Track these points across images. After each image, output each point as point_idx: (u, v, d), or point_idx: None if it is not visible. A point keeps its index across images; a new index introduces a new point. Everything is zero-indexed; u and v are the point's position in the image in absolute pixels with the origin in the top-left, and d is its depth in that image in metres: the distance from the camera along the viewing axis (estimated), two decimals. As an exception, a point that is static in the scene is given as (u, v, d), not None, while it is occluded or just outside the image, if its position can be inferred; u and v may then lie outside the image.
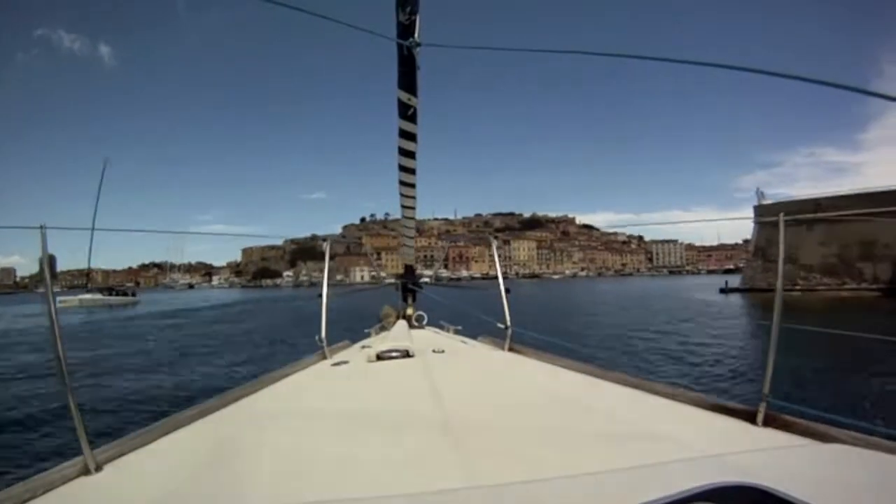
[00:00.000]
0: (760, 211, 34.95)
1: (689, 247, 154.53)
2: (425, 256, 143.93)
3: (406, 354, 2.54)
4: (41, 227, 1.32)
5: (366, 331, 4.08)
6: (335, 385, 2.22)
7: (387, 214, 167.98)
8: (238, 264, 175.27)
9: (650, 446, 1.32)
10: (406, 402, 1.79)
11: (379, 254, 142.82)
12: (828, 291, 31.99)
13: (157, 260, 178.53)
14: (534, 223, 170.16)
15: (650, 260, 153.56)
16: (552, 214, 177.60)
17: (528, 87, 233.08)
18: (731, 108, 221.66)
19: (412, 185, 3.76)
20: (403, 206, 4.12)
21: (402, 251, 5.05)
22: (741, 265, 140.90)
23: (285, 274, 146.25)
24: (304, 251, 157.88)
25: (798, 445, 1.32)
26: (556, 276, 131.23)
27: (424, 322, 4.32)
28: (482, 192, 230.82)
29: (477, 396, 1.87)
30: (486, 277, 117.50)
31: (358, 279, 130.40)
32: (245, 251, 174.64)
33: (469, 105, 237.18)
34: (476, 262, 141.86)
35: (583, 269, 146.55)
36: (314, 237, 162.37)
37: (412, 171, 3.60)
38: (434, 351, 2.74)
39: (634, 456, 1.22)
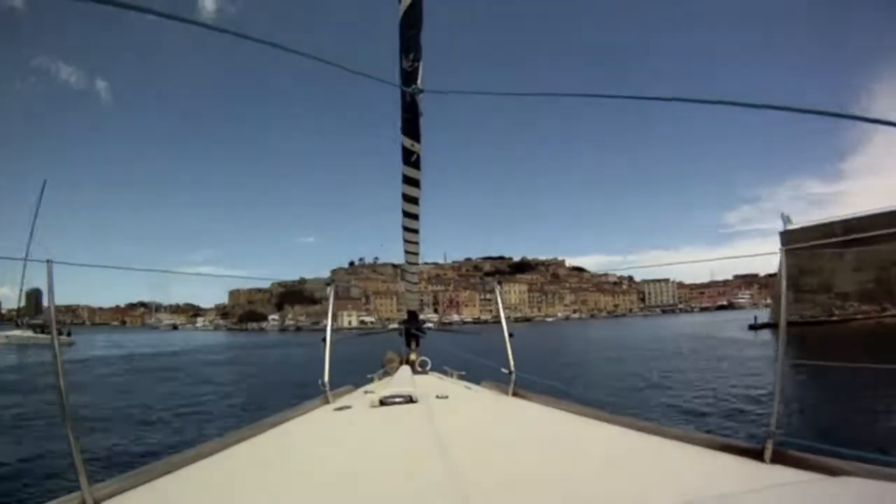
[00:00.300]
0: (787, 237, 32.83)
1: (681, 285, 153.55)
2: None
3: (409, 400, 2.49)
4: (48, 262, 1.33)
5: (369, 376, 4.00)
6: (337, 430, 2.19)
7: (376, 258, 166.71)
8: (224, 306, 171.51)
9: (658, 489, 1.30)
10: (409, 449, 1.76)
11: (368, 297, 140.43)
12: (866, 320, 29.73)
13: (146, 299, 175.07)
14: (524, 266, 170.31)
15: (642, 300, 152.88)
16: (542, 257, 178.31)
17: (516, 130, 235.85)
18: (713, 145, 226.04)
19: (415, 231, 3.79)
20: (407, 252, 4.13)
21: (405, 297, 5.11)
22: (736, 301, 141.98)
23: (270, 318, 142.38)
24: (292, 294, 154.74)
25: (807, 481, 1.30)
26: (549, 319, 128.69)
27: (428, 367, 4.27)
28: (472, 236, 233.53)
29: (482, 443, 1.84)
30: (477, 322, 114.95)
31: (346, 324, 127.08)
32: (232, 293, 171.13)
33: (457, 147, 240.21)
34: (466, 306, 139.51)
35: (575, 311, 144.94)
36: (302, 280, 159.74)
37: (415, 217, 3.63)
38: (438, 396, 2.71)
39: (642, 499, 1.22)
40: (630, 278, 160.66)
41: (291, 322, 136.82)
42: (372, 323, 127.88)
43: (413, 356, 4.43)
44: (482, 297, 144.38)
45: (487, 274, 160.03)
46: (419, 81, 2.49)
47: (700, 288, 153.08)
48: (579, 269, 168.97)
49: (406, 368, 3.91)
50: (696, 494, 1.20)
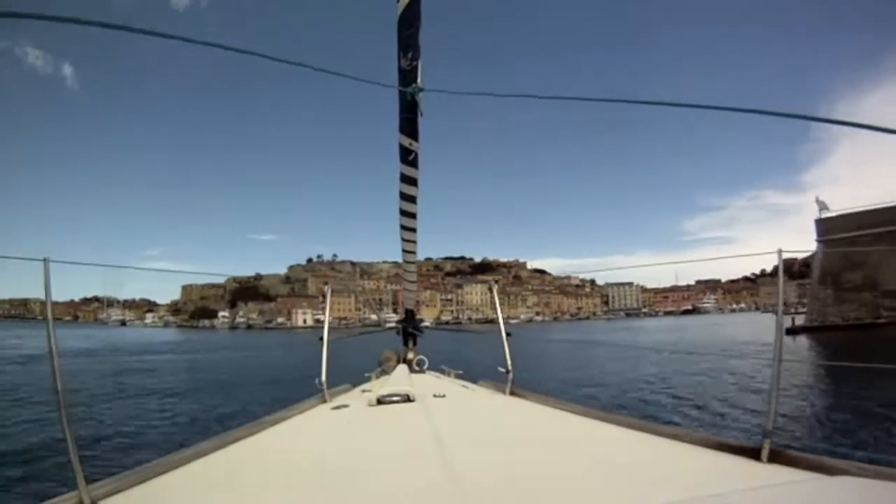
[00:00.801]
0: (824, 225, 28.98)
1: (644, 289, 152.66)
2: (372, 300, 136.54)
3: (407, 399, 2.51)
4: (44, 260, 1.33)
5: (366, 374, 4.00)
6: (335, 429, 2.20)
7: (334, 256, 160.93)
8: (177, 303, 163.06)
9: (655, 487, 1.30)
10: (407, 447, 1.76)
11: (324, 296, 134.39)
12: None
13: (101, 294, 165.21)
14: (485, 267, 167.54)
15: (605, 303, 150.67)
16: (503, 259, 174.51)
17: (478, 131, 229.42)
18: (675, 153, 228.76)
19: (413, 230, 3.80)
20: (404, 251, 4.15)
21: (402, 295, 5.17)
22: (701, 305, 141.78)
23: (221, 315, 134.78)
24: (246, 291, 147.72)
25: (804, 480, 1.30)
26: (512, 321, 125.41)
27: (425, 366, 4.27)
28: (433, 236, 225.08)
29: (479, 441, 1.85)
30: (440, 324, 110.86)
31: (300, 323, 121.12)
32: (185, 288, 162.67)
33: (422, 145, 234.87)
34: (427, 306, 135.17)
35: (538, 314, 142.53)
36: (258, 276, 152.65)
37: (413, 216, 3.64)
38: (435, 395, 2.72)
39: (639, 498, 1.23)
40: (592, 282, 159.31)
41: (242, 320, 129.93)
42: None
43: (410, 355, 4.39)
44: (444, 297, 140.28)
45: (448, 274, 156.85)
46: (419, 80, 2.48)
47: (664, 292, 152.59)
48: (541, 272, 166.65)
49: (403, 367, 3.83)
50: (693, 493, 1.20)
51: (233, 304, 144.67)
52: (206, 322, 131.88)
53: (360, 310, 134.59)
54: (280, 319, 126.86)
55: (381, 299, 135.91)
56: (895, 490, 1.15)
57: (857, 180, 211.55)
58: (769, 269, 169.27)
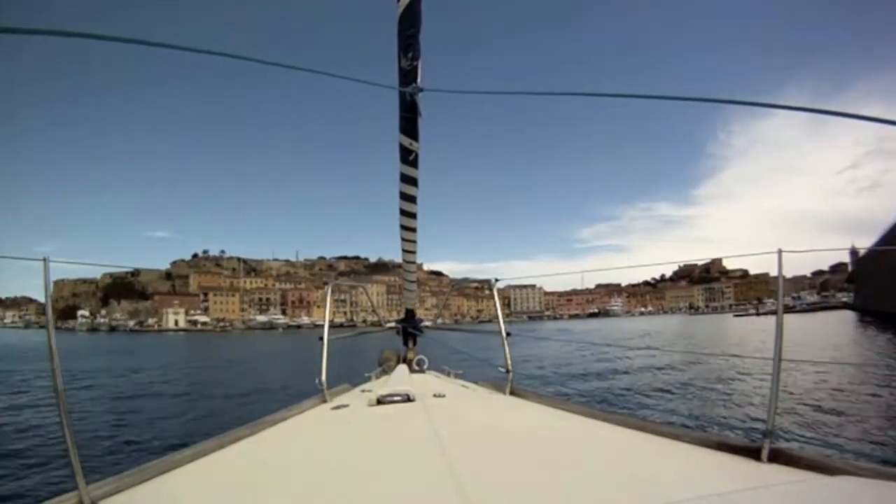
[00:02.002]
0: None
1: (547, 292, 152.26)
2: (259, 299, 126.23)
3: (407, 399, 2.51)
4: (44, 260, 1.34)
5: (366, 374, 4.00)
6: (335, 429, 2.19)
7: (222, 251, 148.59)
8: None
9: (655, 488, 1.30)
10: (407, 447, 1.77)
11: (206, 294, 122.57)
12: None
13: None
14: (380, 267, 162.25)
15: (508, 305, 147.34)
16: (399, 260, 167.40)
17: (373, 127, 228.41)
18: (574, 164, 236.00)
19: (413, 230, 3.81)
20: (404, 251, 4.13)
21: (403, 295, 5.05)
22: (610, 308, 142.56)
23: (80, 314, 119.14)
24: (121, 287, 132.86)
25: (804, 480, 1.30)
26: None
27: (425, 366, 4.23)
28: (328, 235, 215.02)
29: (480, 441, 1.84)
30: (332, 325, 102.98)
31: (171, 324, 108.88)
32: (57, 284, 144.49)
33: (321, 139, 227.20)
34: (319, 307, 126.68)
35: (437, 316, 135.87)
36: (135, 272, 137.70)
37: (413, 216, 3.65)
38: (435, 395, 2.71)
39: (639, 498, 1.22)
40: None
41: (104, 320, 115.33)
42: (203, 324, 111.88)
43: (410, 355, 4.34)
44: (337, 297, 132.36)
45: (342, 273, 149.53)
46: (419, 80, 2.49)
47: (567, 295, 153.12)
48: (437, 273, 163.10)
49: (403, 367, 3.80)
50: (693, 493, 1.20)
51: (105, 302, 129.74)
52: (71, 322, 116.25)
53: (244, 310, 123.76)
54: (151, 320, 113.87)
55: (268, 299, 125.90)
56: (895, 490, 1.15)
57: (748, 196, 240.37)
58: (668, 274, 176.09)
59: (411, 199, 3.47)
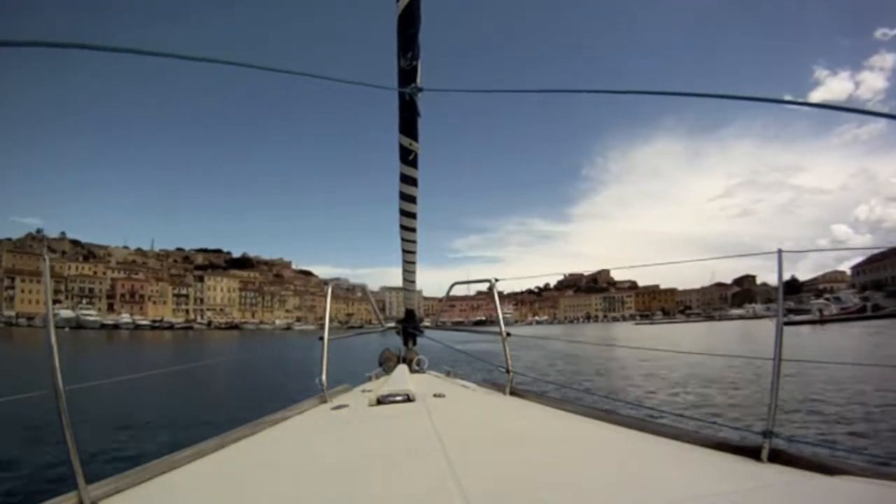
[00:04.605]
0: None
1: (426, 297, 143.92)
2: (81, 289, 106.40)
3: (407, 399, 2.51)
4: (44, 260, 1.35)
5: (366, 374, 4.02)
6: (335, 429, 2.20)
7: (63, 233, 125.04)
8: None
9: (655, 487, 1.29)
10: (407, 447, 1.75)
11: (13, 279, 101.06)
12: None
13: None
14: (244, 263, 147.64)
15: (382, 309, 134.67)
16: (266, 256, 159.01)
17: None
18: (450, 176, 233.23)
19: (413, 230, 3.82)
20: (404, 251, 4.13)
21: (403, 295, 5.05)
22: (505, 315, 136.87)
23: None
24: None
25: (804, 480, 1.30)
26: (266, 327, 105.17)
27: (425, 366, 4.25)
28: (191, 226, 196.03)
29: (479, 441, 1.84)
30: (163, 326, 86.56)
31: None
32: None
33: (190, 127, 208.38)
34: (155, 303, 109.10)
35: (299, 319, 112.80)
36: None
37: (413, 216, 3.66)
38: (435, 395, 2.69)
39: (639, 498, 1.21)
40: (364, 286, 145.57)
41: None
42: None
43: (410, 355, 4.40)
44: (179, 291, 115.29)
45: (199, 267, 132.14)
46: (418, 80, 2.52)
47: (452, 300, 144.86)
48: (307, 273, 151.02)
49: (403, 367, 3.83)
50: (693, 493, 1.21)
51: None
52: None
53: (60, 302, 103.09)
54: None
55: (91, 289, 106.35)
56: (895, 490, 1.15)
57: (619, 216, 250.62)
58: (553, 283, 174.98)
59: (411, 199, 3.48)
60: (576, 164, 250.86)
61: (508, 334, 3.02)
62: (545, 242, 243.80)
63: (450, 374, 3.98)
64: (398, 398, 2.50)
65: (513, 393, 2.79)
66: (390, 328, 5.08)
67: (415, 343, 4.77)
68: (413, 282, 4.66)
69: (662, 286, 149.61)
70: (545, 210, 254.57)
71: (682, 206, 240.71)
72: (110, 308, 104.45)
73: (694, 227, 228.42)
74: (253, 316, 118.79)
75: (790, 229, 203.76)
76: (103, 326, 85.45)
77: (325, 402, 2.71)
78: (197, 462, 1.64)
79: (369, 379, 3.83)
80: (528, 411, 2.41)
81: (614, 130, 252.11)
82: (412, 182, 3.30)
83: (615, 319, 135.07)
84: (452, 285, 4.24)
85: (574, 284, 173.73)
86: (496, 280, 3.26)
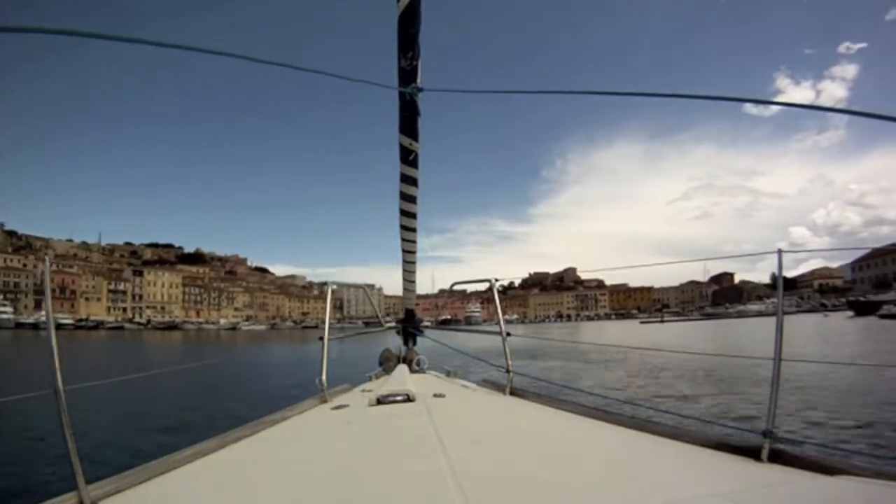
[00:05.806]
0: None
1: (387, 296, 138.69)
2: (6, 283, 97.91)
3: (407, 399, 2.52)
4: (44, 260, 1.36)
5: (366, 374, 4.03)
6: (335, 429, 2.20)
7: (1, 224, 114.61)
8: None
9: (655, 487, 1.29)
10: (407, 447, 1.76)
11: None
12: None
13: None
14: (196, 258, 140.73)
15: (339, 308, 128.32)
16: (221, 253, 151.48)
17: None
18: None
19: (413, 230, 3.83)
20: (405, 251, 4.17)
21: (404, 296, 5.06)
22: (471, 315, 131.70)
23: None
24: None
25: (804, 480, 1.30)
26: (210, 327, 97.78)
27: (425, 366, 4.28)
28: (142, 220, 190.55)
29: (479, 441, 1.83)
30: (89, 326, 78.80)
31: None
32: None
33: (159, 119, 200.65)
34: (88, 300, 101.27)
35: (248, 318, 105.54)
36: None
37: (413, 216, 3.67)
38: (435, 395, 2.71)
39: (639, 498, 1.22)
40: (322, 284, 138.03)
41: None
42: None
43: (410, 355, 4.42)
44: (116, 287, 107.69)
45: (147, 262, 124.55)
46: (418, 80, 2.53)
47: (416, 299, 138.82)
48: (263, 270, 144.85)
49: (403, 367, 3.88)
50: (693, 493, 1.21)
51: None
52: None
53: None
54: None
55: (16, 284, 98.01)
56: (895, 490, 1.15)
57: (577, 217, 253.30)
58: (517, 283, 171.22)
59: (411, 199, 3.48)
60: (537, 165, 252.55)
61: (508, 334, 2.99)
62: (506, 243, 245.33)
63: (450, 374, 3.98)
64: (398, 398, 2.50)
65: (513, 393, 2.79)
66: (390, 328, 5.16)
67: (415, 343, 4.83)
68: (413, 282, 4.73)
69: (631, 285, 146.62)
70: (505, 210, 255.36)
71: (643, 207, 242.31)
72: (38, 305, 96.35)
73: (655, 228, 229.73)
74: (198, 314, 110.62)
75: (748, 232, 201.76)
76: (19, 326, 77.52)
77: (325, 402, 2.71)
78: (197, 462, 1.64)
79: (369, 379, 3.85)
80: (528, 411, 2.40)
81: (574, 132, 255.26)
82: (412, 182, 3.31)
83: (588, 318, 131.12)
84: (452, 285, 4.31)
85: (539, 283, 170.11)
86: (496, 280, 3.27)
